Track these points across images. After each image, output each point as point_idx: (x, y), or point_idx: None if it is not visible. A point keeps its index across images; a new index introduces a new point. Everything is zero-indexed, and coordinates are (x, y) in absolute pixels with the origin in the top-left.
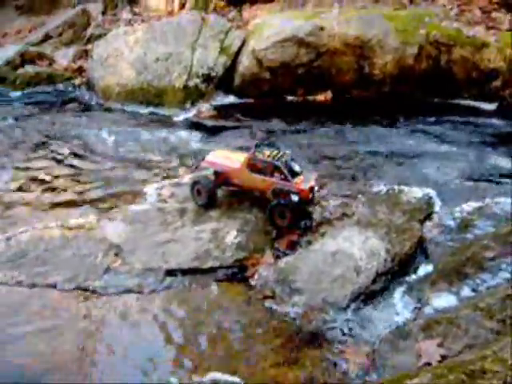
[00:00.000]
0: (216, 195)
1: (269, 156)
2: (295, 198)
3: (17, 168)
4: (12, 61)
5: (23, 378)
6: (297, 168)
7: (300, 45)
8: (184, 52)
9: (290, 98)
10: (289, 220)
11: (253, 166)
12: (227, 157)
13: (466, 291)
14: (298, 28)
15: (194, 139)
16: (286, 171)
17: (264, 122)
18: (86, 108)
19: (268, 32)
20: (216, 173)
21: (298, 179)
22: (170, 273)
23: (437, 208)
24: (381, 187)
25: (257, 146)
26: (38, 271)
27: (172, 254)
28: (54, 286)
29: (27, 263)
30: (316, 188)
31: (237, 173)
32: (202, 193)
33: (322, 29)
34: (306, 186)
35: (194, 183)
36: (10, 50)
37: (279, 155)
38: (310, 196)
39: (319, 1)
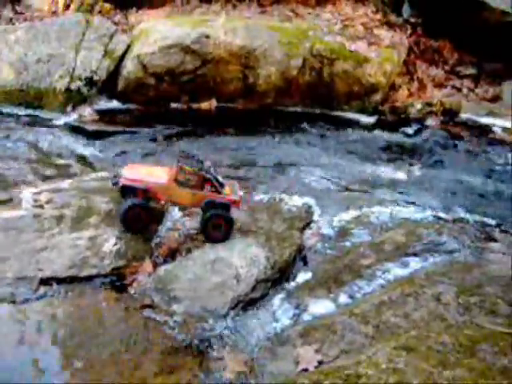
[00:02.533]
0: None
1: (192, 170)
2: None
3: None
4: None
5: None
6: (221, 179)
7: (186, 52)
8: (67, 54)
9: (174, 105)
10: (225, 232)
11: (181, 181)
12: (149, 172)
13: (343, 298)
14: (184, 35)
15: (74, 143)
16: (216, 183)
17: (147, 128)
18: None
19: (154, 37)
20: (136, 190)
21: (227, 190)
22: (45, 281)
23: (316, 217)
24: (262, 196)
25: (180, 158)
26: None
27: (47, 262)
28: None
29: None
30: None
31: (164, 189)
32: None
33: (207, 37)
34: (237, 197)
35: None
36: None
37: (204, 167)
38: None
39: (207, 8)
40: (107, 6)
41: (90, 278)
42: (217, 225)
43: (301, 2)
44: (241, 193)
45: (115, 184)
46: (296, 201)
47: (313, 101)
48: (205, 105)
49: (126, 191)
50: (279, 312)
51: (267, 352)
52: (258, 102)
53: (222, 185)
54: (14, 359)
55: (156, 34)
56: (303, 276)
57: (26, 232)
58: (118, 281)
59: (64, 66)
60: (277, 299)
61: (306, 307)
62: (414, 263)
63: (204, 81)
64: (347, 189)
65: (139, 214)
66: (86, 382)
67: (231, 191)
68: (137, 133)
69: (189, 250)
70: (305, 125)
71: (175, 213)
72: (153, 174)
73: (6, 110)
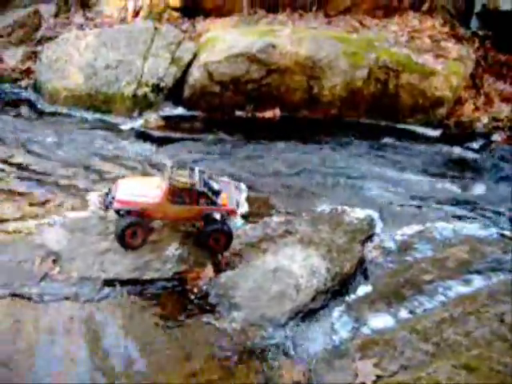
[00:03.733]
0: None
1: (186, 182)
2: (217, 215)
3: None
4: None
5: None
6: (215, 186)
7: (251, 61)
8: (135, 60)
9: (238, 113)
10: (223, 244)
11: (174, 198)
12: (141, 190)
13: (404, 313)
14: (250, 44)
15: (140, 149)
16: (211, 195)
17: (212, 135)
18: (32, 110)
19: (220, 46)
20: (130, 211)
21: (223, 198)
22: (108, 283)
23: (378, 230)
24: (324, 207)
25: (171, 172)
26: None
27: (111, 264)
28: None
29: None
30: (240, 197)
31: (158, 207)
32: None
33: (274, 46)
34: (233, 204)
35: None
36: None
37: (197, 178)
38: (238, 211)
39: (273, 18)
40: (175, 14)
41: (152, 281)
42: (217, 239)
43: (368, 13)
44: (237, 197)
45: (108, 206)
46: (358, 213)
47: (377, 112)
48: (269, 114)
49: (119, 212)
50: (338, 324)
51: (325, 364)
52: (322, 112)
53: (218, 193)
54: (77, 358)
55: (222, 43)
56: (363, 289)
57: (92, 233)
58: (179, 285)
59: (132, 73)
60: (336, 311)
61: (366, 321)
62: (477, 281)
63: (268, 90)
64: (410, 203)
65: (136, 232)
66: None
67: (228, 199)
68: (201, 140)
69: (250, 258)
70: (368, 136)
71: (237, 220)
72: (145, 193)
73: (76, 113)
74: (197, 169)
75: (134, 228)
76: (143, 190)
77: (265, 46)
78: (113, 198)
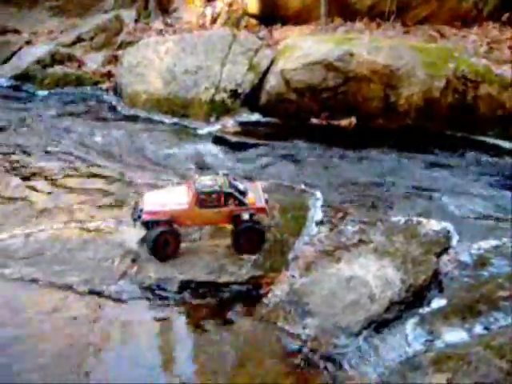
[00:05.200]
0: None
1: (212, 185)
2: (246, 216)
3: (38, 167)
4: (42, 60)
5: None
6: (241, 186)
7: (328, 69)
8: (213, 66)
9: (314, 120)
10: (256, 244)
11: (202, 202)
12: (168, 200)
13: (478, 328)
14: (327, 52)
15: (216, 153)
16: (238, 195)
17: (287, 142)
18: (112, 113)
19: (297, 53)
20: (159, 222)
21: (250, 198)
22: (184, 284)
23: (454, 243)
24: (399, 217)
25: (197, 177)
26: (54, 270)
27: (187, 266)
28: (69, 287)
29: (44, 261)
30: (266, 196)
31: (187, 214)
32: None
33: (351, 54)
34: (262, 203)
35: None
36: (41, 50)
37: (222, 180)
38: (267, 209)
39: (350, 27)
40: (253, 21)
41: (227, 285)
42: (249, 238)
43: (446, 23)
44: (265, 196)
45: (137, 219)
46: (434, 225)
47: (454, 123)
48: (344, 122)
49: (149, 222)
50: (411, 336)
51: (398, 376)
52: (398, 121)
53: (244, 193)
54: (148, 358)
55: (300, 51)
56: (438, 302)
57: None
58: (253, 290)
59: (210, 78)
60: (410, 323)
61: (440, 334)
62: None
63: (345, 98)
64: (487, 217)
65: (167, 241)
66: None
67: (255, 198)
68: (276, 146)
69: (325, 266)
70: (445, 147)
71: (312, 228)
72: (172, 201)
73: (155, 117)
74: (221, 172)
75: (165, 237)
76: (170, 199)
77: (342, 54)
78: (141, 210)
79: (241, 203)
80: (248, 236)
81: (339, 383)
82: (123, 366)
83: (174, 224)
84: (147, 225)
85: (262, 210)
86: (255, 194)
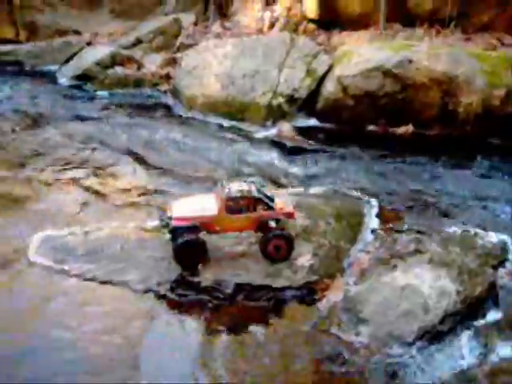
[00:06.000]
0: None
1: (241, 190)
2: (272, 223)
3: (97, 167)
4: (102, 61)
5: None
6: (268, 193)
7: (386, 75)
8: (271, 71)
9: (370, 127)
10: (285, 251)
11: (231, 207)
12: (196, 206)
13: None
14: (386, 58)
15: (272, 157)
16: (267, 200)
17: (343, 148)
18: (170, 114)
19: (356, 60)
20: (188, 228)
21: (278, 203)
22: (240, 287)
23: (511, 256)
24: (456, 228)
25: (224, 183)
26: (113, 268)
27: (244, 269)
28: (126, 285)
29: (103, 259)
30: (293, 202)
31: (216, 219)
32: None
33: (410, 61)
34: (290, 208)
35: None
36: (101, 51)
37: (251, 186)
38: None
39: (410, 34)
40: (311, 26)
41: (282, 289)
42: (277, 246)
43: (506, 31)
44: (292, 202)
45: (165, 226)
46: (491, 236)
47: None
48: (401, 129)
49: (177, 229)
50: (466, 349)
51: None
52: (456, 129)
53: (272, 199)
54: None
55: (358, 57)
56: (493, 315)
57: (227, 237)
58: (308, 295)
59: (267, 83)
60: (464, 335)
61: (494, 348)
62: None
63: (402, 105)
64: None
65: (193, 250)
66: None
67: (283, 203)
68: (332, 152)
69: (379, 274)
70: (504, 158)
71: (367, 235)
72: (201, 207)
73: (212, 119)
74: (248, 179)
75: (192, 245)
76: (198, 206)
77: (401, 61)
78: (169, 218)
79: (269, 208)
80: (277, 243)
81: None
82: (175, 362)
83: (204, 230)
84: (175, 232)
85: (290, 214)
86: (282, 200)
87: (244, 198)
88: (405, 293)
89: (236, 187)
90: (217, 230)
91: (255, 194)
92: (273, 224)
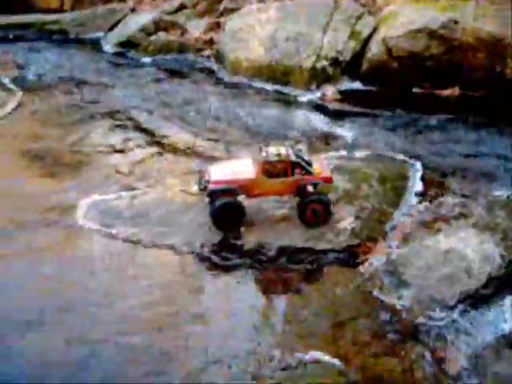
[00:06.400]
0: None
1: (279, 154)
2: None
3: (143, 131)
4: (146, 27)
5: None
6: (307, 157)
7: (432, 37)
8: (314, 34)
9: (415, 89)
10: (323, 216)
11: (269, 171)
12: (234, 170)
13: None
14: (431, 19)
15: (317, 121)
16: (305, 165)
17: (388, 111)
18: (214, 79)
19: (401, 21)
20: (226, 191)
21: (316, 168)
22: (283, 250)
23: None
24: (502, 192)
25: (262, 147)
26: (158, 231)
27: (286, 232)
28: (171, 248)
29: (148, 222)
30: (331, 167)
31: (254, 183)
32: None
33: (456, 22)
34: (328, 173)
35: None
36: (145, 17)
37: (289, 150)
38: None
39: None
40: None
41: (324, 252)
42: (315, 210)
43: None
44: (330, 166)
45: (203, 189)
46: None
47: None
48: (447, 91)
49: (215, 192)
50: (509, 313)
51: (493, 352)
52: (503, 92)
53: (310, 164)
54: (248, 320)
55: (403, 18)
56: None
57: (268, 200)
58: (350, 258)
59: (311, 46)
60: (508, 299)
61: None
62: None
63: (448, 67)
64: None
65: (231, 213)
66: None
67: (321, 168)
68: (377, 115)
69: (422, 238)
70: None
71: (411, 199)
72: (239, 170)
73: (256, 84)
74: (286, 143)
75: (229, 208)
76: (237, 169)
77: (447, 22)
78: (207, 181)
79: (307, 173)
80: (314, 207)
81: (431, 355)
82: (224, 326)
83: (241, 193)
84: (213, 195)
85: (328, 179)
86: (320, 165)
87: (281, 161)
88: (448, 256)
89: (274, 151)
90: (254, 193)
91: (293, 158)
92: (310, 188)
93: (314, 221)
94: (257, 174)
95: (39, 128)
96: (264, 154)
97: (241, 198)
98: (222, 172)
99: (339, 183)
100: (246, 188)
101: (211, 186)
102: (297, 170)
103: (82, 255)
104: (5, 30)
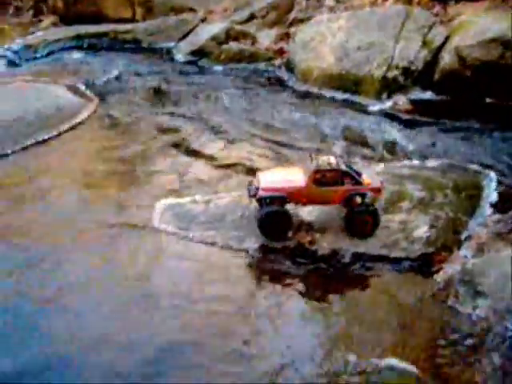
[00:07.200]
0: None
1: (330, 163)
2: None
3: (218, 136)
4: (217, 37)
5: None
6: (356, 168)
7: (506, 46)
8: (386, 43)
9: (489, 99)
10: (371, 226)
11: (319, 180)
12: (285, 177)
13: None
14: (506, 29)
15: (388, 130)
16: (355, 175)
17: (461, 121)
18: (284, 88)
19: (474, 30)
20: (274, 198)
21: (365, 179)
22: (357, 257)
23: None
24: None
25: (312, 156)
26: (233, 235)
27: (360, 239)
28: (246, 251)
29: (224, 226)
30: (381, 178)
31: (304, 191)
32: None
33: None
34: (378, 183)
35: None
36: (216, 27)
37: (339, 160)
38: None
39: None
40: None
41: (398, 260)
42: (364, 221)
43: None
44: (380, 177)
45: (253, 196)
46: None
47: None
48: None
49: (264, 199)
50: None
51: None
52: None
53: (359, 174)
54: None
55: (476, 27)
56: None
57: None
58: (424, 266)
59: (382, 55)
60: None
61: None
62: None
63: None
64: None
65: (278, 222)
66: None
67: (371, 178)
68: (449, 125)
69: (498, 249)
70: None
71: (486, 209)
72: (289, 178)
73: (326, 93)
74: (335, 154)
75: (276, 215)
76: (286, 177)
77: None
78: (256, 188)
79: (357, 183)
80: (363, 218)
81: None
82: (298, 329)
83: (290, 201)
84: (262, 201)
85: (377, 190)
86: (370, 175)
87: (332, 170)
88: None
89: (324, 160)
90: (303, 201)
91: (343, 167)
92: (359, 199)
93: (362, 231)
94: (307, 183)
95: (116, 135)
96: (314, 162)
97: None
98: (272, 179)
99: (413, 192)
100: (295, 196)
101: (260, 193)
102: (347, 180)
103: (160, 256)
104: (79, 39)
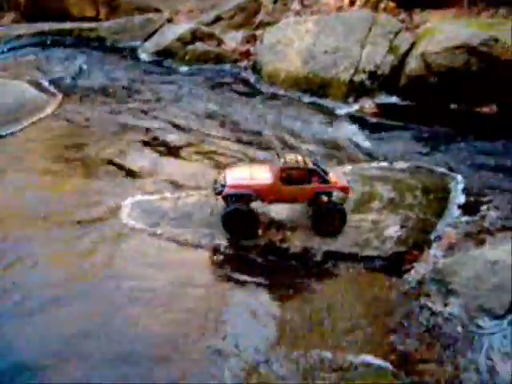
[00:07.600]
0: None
1: (297, 161)
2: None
3: (183, 137)
4: (183, 37)
5: None
6: (323, 166)
7: (471, 53)
8: (352, 47)
9: (453, 105)
10: (338, 224)
11: (286, 178)
12: (251, 175)
13: None
14: (471, 36)
15: (355, 133)
16: (321, 173)
17: (426, 126)
18: (250, 89)
19: (439, 37)
20: (240, 196)
21: (332, 177)
22: (328, 255)
23: None
24: None
25: (280, 154)
26: (203, 232)
27: (333, 238)
28: (217, 249)
29: (193, 223)
30: (348, 178)
31: (270, 189)
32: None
33: (496, 40)
34: (345, 182)
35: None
36: (182, 28)
37: (306, 158)
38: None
39: (493, 12)
40: (392, 4)
41: (370, 258)
42: (330, 220)
43: None
44: (347, 177)
45: (219, 193)
46: None
47: None
48: (485, 109)
49: (229, 196)
50: None
51: None
52: None
53: (326, 173)
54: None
55: (442, 34)
56: None
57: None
58: (395, 265)
59: (349, 59)
60: None
61: None
62: None
63: (487, 84)
64: None
65: (243, 219)
66: None
67: (337, 177)
68: (414, 130)
69: (468, 248)
70: None
71: (454, 210)
72: (255, 176)
73: (293, 95)
74: (302, 152)
75: (240, 214)
76: (253, 175)
77: (487, 40)
78: (222, 185)
79: (324, 181)
80: (329, 217)
81: (482, 364)
82: (272, 327)
83: (256, 199)
84: (228, 199)
85: (345, 189)
86: (336, 175)
87: (299, 169)
88: (495, 267)
89: (292, 158)
90: (270, 199)
91: (310, 165)
92: (325, 198)
93: (328, 229)
94: (273, 180)
95: (80, 132)
96: (281, 160)
97: None
98: (238, 176)
99: (383, 192)
100: (262, 194)
101: (226, 190)
102: (314, 178)
103: (128, 253)
104: (42, 36)
